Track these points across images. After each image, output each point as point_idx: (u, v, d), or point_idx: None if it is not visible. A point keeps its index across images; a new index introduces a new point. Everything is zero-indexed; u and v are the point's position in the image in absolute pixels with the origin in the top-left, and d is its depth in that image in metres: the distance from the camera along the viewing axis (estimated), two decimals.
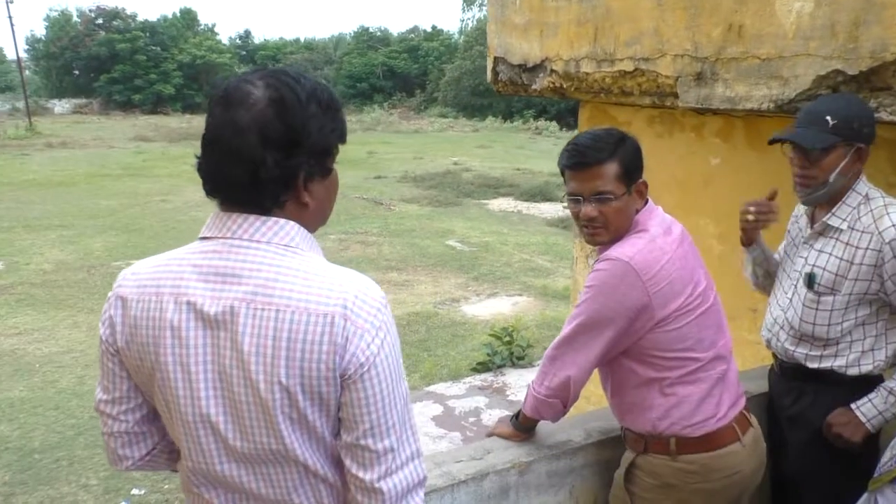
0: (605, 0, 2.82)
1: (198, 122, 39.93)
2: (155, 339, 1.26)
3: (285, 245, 1.24)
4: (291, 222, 1.27)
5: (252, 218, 1.25)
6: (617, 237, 1.88)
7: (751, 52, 2.31)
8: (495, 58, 3.49)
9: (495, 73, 3.52)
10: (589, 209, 1.84)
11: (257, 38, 58.53)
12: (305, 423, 1.24)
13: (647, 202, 1.93)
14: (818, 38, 2.13)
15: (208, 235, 1.28)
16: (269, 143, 1.20)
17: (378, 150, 27.65)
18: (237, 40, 57.60)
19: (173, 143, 30.38)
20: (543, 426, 2.09)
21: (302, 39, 62.42)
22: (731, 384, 1.93)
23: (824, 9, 2.10)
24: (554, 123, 38.04)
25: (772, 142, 2.09)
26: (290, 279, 1.22)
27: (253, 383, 1.21)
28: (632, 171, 1.86)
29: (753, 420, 2.01)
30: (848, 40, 2.06)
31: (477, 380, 7.55)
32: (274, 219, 1.25)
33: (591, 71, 2.92)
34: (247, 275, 1.22)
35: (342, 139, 1.32)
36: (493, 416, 6.58)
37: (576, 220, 1.92)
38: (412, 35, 58.47)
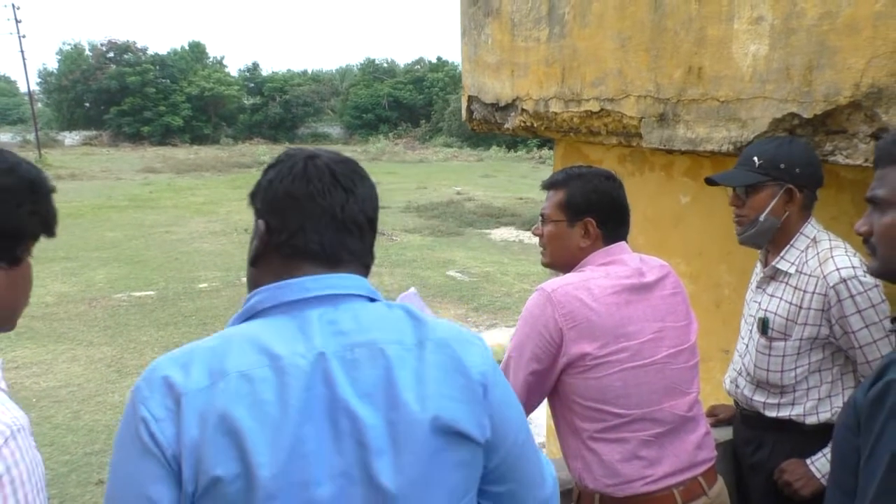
0: (572, 41, 2.83)
1: (205, 153, 40.38)
2: None
3: None
4: None
5: None
6: (556, 263, 1.99)
7: (710, 94, 2.30)
8: (469, 96, 3.50)
9: (469, 111, 3.53)
10: (536, 226, 2.01)
11: (265, 71, 59.04)
12: None
13: (618, 243, 1.91)
14: (774, 80, 2.12)
15: None
16: None
17: (382, 181, 27.79)
18: (245, 73, 58.26)
19: (180, 175, 30.67)
20: None
21: (309, 71, 63.14)
22: (680, 449, 1.83)
23: (779, 52, 2.10)
24: None
25: (707, 182, 2.12)
26: None
27: None
28: (574, 205, 1.90)
29: (715, 488, 1.89)
30: (802, 83, 2.05)
31: None
32: None
33: (560, 111, 2.92)
34: None
35: (45, 228, 1.17)
36: None
37: None
38: (417, 66, 59.09)
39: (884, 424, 1.10)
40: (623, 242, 1.93)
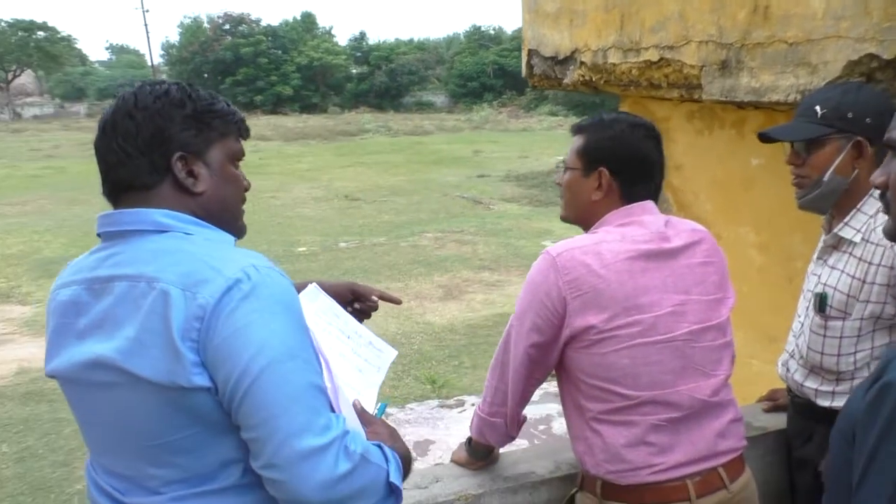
0: None
1: (313, 122, 41.38)
2: None
3: None
4: None
5: None
6: (571, 217, 1.81)
7: (777, 36, 2.01)
8: (529, 50, 3.28)
9: (529, 66, 3.31)
10: (558, 174, 1.85)
11: (372, 40, 59.54)
12: None
13: (642, 202, 1.70)
14: (850, 17, 1.81)
15: None
16: None
17: (484, 149, 27.59)
18: (353, 42, 58.99)
19: (289, 142, 31.55)
20: (509, 454, 1.90)
21: (415, 40, 63.20)
22: (698, 437, 1.61)
23: None
24: None
25: (761, 139, 1.83)
26: None
27: None
28: (592, 151, 1.71)
29: (739, 482, 1.66)
30: (883, 19, 1.74)
31: (553, 385, 7.30)
32: None
33: (618, 62, 2.67)
34: None
35: None
36: (563, 425, 6.34)
37: None
38: None
39: (878, 440, 0.86)
40: (649, 202, 1.71)
